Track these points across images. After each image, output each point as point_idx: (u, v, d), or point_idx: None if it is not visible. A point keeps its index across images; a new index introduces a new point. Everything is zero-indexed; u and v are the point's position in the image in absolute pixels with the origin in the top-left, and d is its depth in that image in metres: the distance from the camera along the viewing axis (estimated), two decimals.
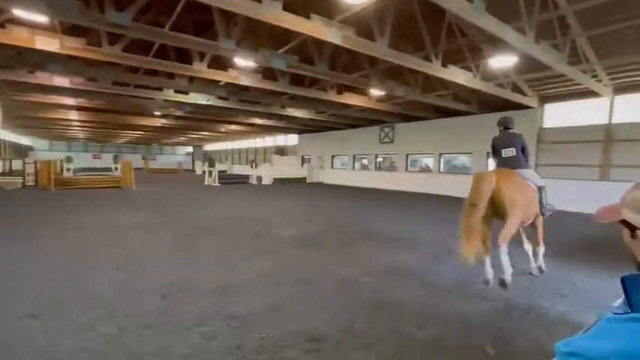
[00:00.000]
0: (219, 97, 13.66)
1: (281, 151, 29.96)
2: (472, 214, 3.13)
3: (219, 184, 18.93)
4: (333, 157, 23.24)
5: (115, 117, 19.68)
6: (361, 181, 19.80)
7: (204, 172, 21.03)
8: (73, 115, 19.45)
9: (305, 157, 26.36)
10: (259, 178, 21.54)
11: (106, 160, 41.91)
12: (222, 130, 25.38)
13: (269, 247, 5.22)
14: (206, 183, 19.05)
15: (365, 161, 21.56)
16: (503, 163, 3.70)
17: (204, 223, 7.14)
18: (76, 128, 27.87)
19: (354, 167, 21.45)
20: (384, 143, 18.86)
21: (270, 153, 31.04)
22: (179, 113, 17.10)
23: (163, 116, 19.20)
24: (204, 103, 13.40)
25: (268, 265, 4.39)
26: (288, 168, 23.27)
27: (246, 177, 21.52)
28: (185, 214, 8.32)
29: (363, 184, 19.48)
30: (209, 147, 48.52)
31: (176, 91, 12.45)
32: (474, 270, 3.90)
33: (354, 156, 21.42)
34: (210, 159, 20.54)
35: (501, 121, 3.96)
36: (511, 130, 3.83)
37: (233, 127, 23.61)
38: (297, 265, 4.44)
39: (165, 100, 14.16)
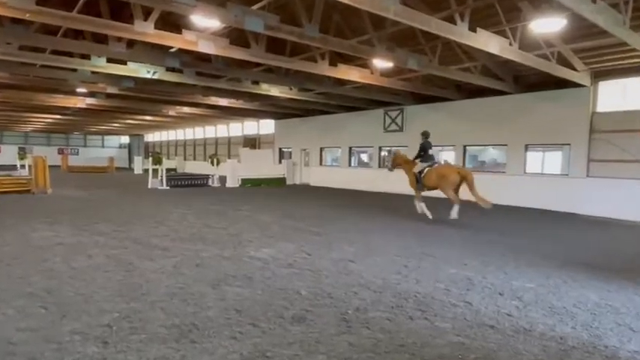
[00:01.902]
0: (170, 69, 13.48)
1: (251, 142, 29.89)
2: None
3: (167, 187, 18.70)
4: (322, 150, 23.34)
5: (22, 95, 19.09)
6: (359, 181, 20.00)
7: (145, 170, 20.68)
8: None
9: (284, 150, 26.41)
10: (222, 180, 21.39)
11: (7, 154, 40.83)
12: (172, 113, 25.05)
13: (242, 273, 5.20)
14: (150, 186, 18.80)
15: (364, 156, 21.78)
16: (433, 159, 9.49)
17: (152, 241, 7.05)
18: None
19: (349, 164, 21.59)
20: (391, 132, 19.02)
21: (237, 145, 30.91)
22: (112, 90, 16.78)
23: (90, 94, 18.79)
24: (148, 76, 13.18)
25: (243, 296, 4.36)
26: (262, 165, 23.19)
27: (205, 177, 21.31)
28: (125, 230, 8.21)
29: (361, 186, 19.68)
30: (152, 137, 47.93)
31: (109, 60, 12.18)
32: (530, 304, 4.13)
33: (350, 149, 21.56)
34: (155, 153, 20.28)
35: (426, 133, 9.97)
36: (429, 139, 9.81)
37: (187, 109, 23.34)
38: (281, 295, 4.43)
39: (94, 73, 13.86)
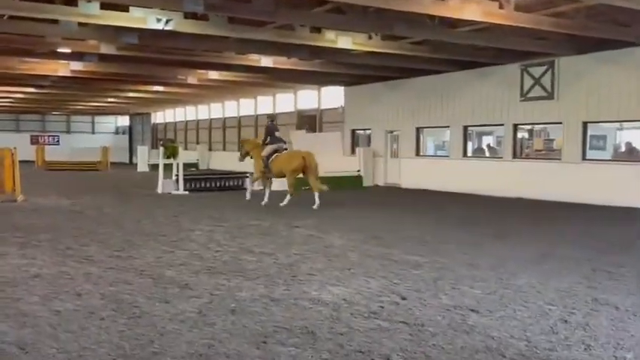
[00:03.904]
0: (189, 15, 13.93)
1: (309, 122, 30.23)
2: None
3: (186, 192, 19.40)
4: (419, 132, 23.22)
5: None
6: (482, 181, 19.59)
7: (153, 166, 21.62)
8: None
9: (359, 133, 26.40)
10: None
11: None
12: (192, 81, 26.00)
13: (300, 324, 5.17)
14: (161, 190, 19.62)
15: (490, 140, 21.16)
16: (279, 140, 15.57)
17: (165, 274, 7.29)
18: None
19: (464, 153, 21.34)
20: (533, 99, 18.56)
21: (288, 126, 31.37)
22: (107, 50, 17.69)
23: (76, 56, 19.95)
24: (159, 27, 13.70)
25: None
26: (325, 156, 23.27)
27: (241, 176, 21.84)
28: (126, 256, 8.53)
29: (485, 188, 19.27)
30: (163, 117, 50.23)
31: (104, 6, 12.85)
32: None
33: (464, 129, 21.28)
34: (167, 142, 21.17)
35: (272, 116, 18.24)
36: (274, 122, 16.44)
37: (213, 74, 24.06)
38: None
39: (82, 25, 14.65)
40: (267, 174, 15.92)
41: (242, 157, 17.08)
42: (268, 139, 15.81)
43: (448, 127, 21.78)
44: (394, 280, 7.10)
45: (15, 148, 17.18)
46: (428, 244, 9.80)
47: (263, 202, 15.27)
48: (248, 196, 16.30)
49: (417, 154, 23.13)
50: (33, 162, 37.33)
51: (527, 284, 6.99)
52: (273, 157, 15.51)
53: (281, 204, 14.93)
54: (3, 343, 4.69)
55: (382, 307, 5.91)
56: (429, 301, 6.14)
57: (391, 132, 24.26)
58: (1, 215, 13.48)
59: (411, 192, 21.17)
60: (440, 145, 23.37)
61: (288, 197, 15.20)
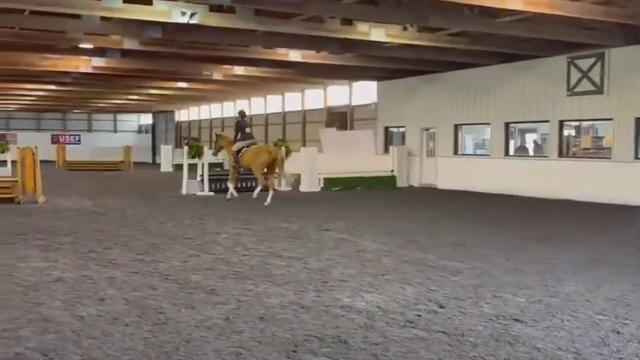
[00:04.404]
0: (215, 8, 14.05)
1: (339, 119, 30.23)
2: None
3: (211, 193, 19.58)
4: (457, 129, 23.10)
5: (3, 56, 21.19)
6: (526, 182, 19.38)
7: (177, 166, 21.89)
8: None
9: (392, 130, 26.40)
10: (293, 180, 21.85)
11: None
12: (218, 77, 26.25)
13: (332, 333, 5.17)
14: (185, 191, 19.86)
15: (534, 137, 20.95)
16: (249, 137, 17.87)
17: (191, 278, 7.37)
18: None
19: (506, 151, 21.19)
20: (580, 94, 18.32)
21: (317, 124, 31.47)
22: (131, 45, 17.97)
23: (98, 52, 20.31)
24: (183, 21, 13.86)
25: None
26: (357, 155, 23.34)
27: (267, 178, 21.95)
28: (150, 259, 8.66)
29: (530, 189, 19.09)
30: (187, 115, 50.78)
31: (127, 0, 13.06)
32: None
33: (506, 126, 21.12)
34: (192, 140, 21.36)
35: (242, 112, 18.81)
36: (245, 118, 18.91)
37: (239, 70, 24.24)
38: None
39: (104, 20, 14.91)
40: (237, 168, 18.00)
41: (216, 152, 19.43)
42: (239, 135, 17.88)
43: (488, 124, 21.60)
44: (431, 286, 7.06)
45: (36, 147, 17.51)
46: (467, 249, 9.73)
47: (254, 196, 17.21)
48: (229, 195, 17.76)
49: (455, 152, 22.96)
50: (54, 162, 37.98)
51: (576, 292, 6.90)
52: (242, 151, 17.46)
53: (253, 196, 17.17)
54: (26, 349, 4.79)
55: (419, 315, 5.88)
56: (469, 310, 6.09)
57: (427, 129, 24.11)
58: (22, 217, 13.77)
59: (448, 193, 21.04)
60: (480, 143, 23.18)
61: (258, 189, 17.43)
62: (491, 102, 21.11)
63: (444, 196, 20.39)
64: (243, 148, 17.51)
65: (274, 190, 17.20)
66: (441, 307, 6.19)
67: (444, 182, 22.57)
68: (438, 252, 9.36)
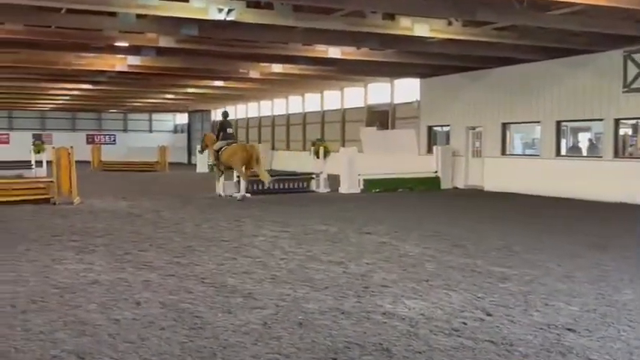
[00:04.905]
0: (252, 4, 14.17)
1: (380, 118, 30.17)
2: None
3: (248, 195, 19.74)
4: (505, 128, 22.92)
5: (40, 55, 21.77)
6: (579, 184, 19.04)
7: (213, 167, 22.20)
8: None
9: (436, 129, 26.31)
10: (333, 180, 21.90)
11: (18, 144, 46.60)
12: (255, 75, 26.46)
13: (373, 341, 5.16)
14: (221, 192, 20.09)
15: (588, 137, 20.64)
16: (230, 137, 20.26)
17: (228, 282, 7.46)
18: None
19: (558, 152, 20.97)
20: (638, 91, 17.92)
21: (357, 123, 31.44)
22: (166, 43, 18.23)
23: (134, 50, 20.67)
24: (220, 18, 14.01)
25: None
26: (399, 156, 23.26)
27: (306, 178, 22.06)
28: (186, 262, 8.82)
29: (583, 192, 18.78)
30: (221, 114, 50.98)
31: None
32: None
33: (557, 125, 20.85)
34: (228, 135, 21.43)
35: (225, 113, 21.35)
36: (228, 119, 21.42)
37: (277, 67, 24.39)
38: None
39: (140, 17, 15.17)
40: (219, 166, 19.87)
41: (202, 150, 24.67)
42: (221, 134, 20.14)
43: (538, 122, 21.33)
44: (478, 293, 7.01)
45: (71, 147, 17.92)
46: (516, 254, 9.64)
47: (240, 194, 18.97)
48: (219, 189, 19.89)
49: (503, 152, 22.70)
50: (89, 162, 38.71)
51: (633, 301, 6.77)
52: (222, 150, 19.39)
53: (239, 196, 18.95)
54: (62, 352, 4.91)
55: (465, 323, 5.85)
56: (519, 318, 6.03)
57: (473, 128, 23.92)
58: (57, 218, 14.13)
59: (495, 195, 20.80)
60: (529, 142, 22.89)
61: (242, 184, 19.15)
62: (542, 99, 20.83)
63: (491, 198, 20.17)
64: (223, 147, 19.41)
65: (246, 180, 19.15)
66: (489, 314, 6.14)
67: (491, 184, 22.34)
68: (485, 257, 9.30)
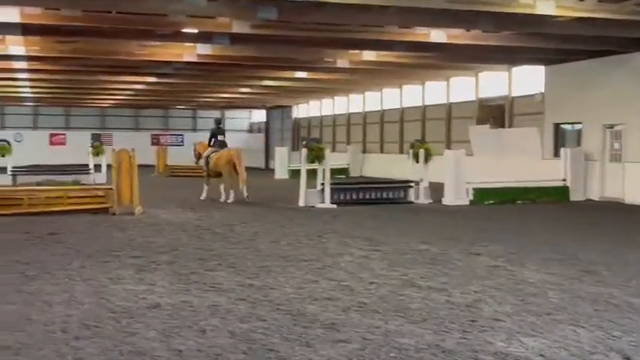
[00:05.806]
0: None
1: (493, 113, 29.77)
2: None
3: (333, 205, 19.86)
4: None
5: (100, 45, 22.67)
6: None
7: (294, 173, 22.61)
8: (14, 47, 23.14)
9: (565, 128, 25.79)
10: (435, 189, 21.73)
11: (75, 146, 48.15)
12: (343, 64, 26.54)
13: None
14: (303, 202, 20.30)
15: None
16: (222, 144, 24.08)
17: (308, 309, 7.50)
18: (22, 78, 33.11)
19: None
20: None
21: (465, 120, 31.13)
22: (241, 28, 18.55)
23: (204, 37, 21.17)
24: None
25: None
26: (517, 160, 22.79)
27: (402, 187, 21.98)
28: (260, 285, 8.92)
29: None
30: (307, 111, 51.68)
31: None
32: None
33: None
34: (311, 142, 21.77)
35: (218, 120, 28.14)
36: (221, 126, 26.91)
37: (369, 55, 24.42)
38: None
39: (211, 0, 15.55)
40: (209, 172, 22.98)
41: (196, 160, 28.16)
42: (212, 141, 23.97)
43: None
44: (614, 331, 6.76)
45: (133, 150, 18.45)
46: None
47: (229, 200, 21.77)
48: (203, 193, 22.91)
49: None
50: (153, 166, 39.65)
51: None
52: (210, 156, 22.78)
53: (229, 200, 21.71)
54: None
55: None
56: None
57: (611, 127, 23.23)
58: (116, 230, 14.63)
59: (639, 210, 20.13)
60: None
61: (232, 194, 21.86)
62: None
63: (634, 213, 19.55)
64: (212, 153, 22.80)
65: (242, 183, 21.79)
66: (627, 358, 5.93)
67: (634, 195, 21.55)
68: (624, 286, 8.98)
